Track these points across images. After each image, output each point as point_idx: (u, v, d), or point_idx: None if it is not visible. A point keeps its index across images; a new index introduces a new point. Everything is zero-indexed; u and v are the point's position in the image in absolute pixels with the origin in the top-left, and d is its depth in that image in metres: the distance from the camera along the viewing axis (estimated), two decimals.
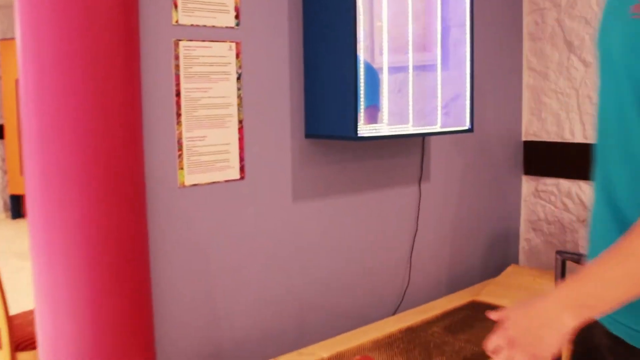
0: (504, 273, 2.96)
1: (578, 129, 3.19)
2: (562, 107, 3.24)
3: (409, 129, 2.47)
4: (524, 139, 3.39)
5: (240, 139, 2.20)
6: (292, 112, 2.33)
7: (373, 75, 2.46)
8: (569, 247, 3.25)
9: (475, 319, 2.57)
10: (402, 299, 2.79)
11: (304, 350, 2.28)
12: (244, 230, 2.23)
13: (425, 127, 2.54)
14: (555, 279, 1.78)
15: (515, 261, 3.44)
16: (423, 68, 2.67)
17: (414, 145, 2.78)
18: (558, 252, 1.75)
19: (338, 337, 2.39)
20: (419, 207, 2.82)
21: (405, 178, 2.75)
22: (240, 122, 2.19)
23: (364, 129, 2.27)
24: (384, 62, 2.50)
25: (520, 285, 2.85)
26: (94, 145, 1.76)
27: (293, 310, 2.40)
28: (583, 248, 3.20)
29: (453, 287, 3.05)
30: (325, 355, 2.24)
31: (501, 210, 3.29)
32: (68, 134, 1.74)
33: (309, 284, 2.44)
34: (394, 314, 2.76)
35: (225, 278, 2.19)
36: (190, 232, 2.10)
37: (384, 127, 2.43)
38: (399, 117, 2.53)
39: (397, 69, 2.62)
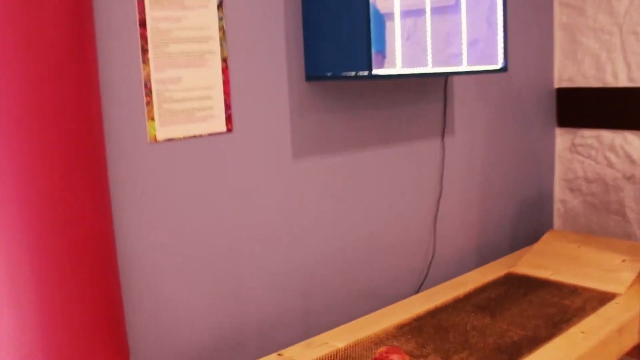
0: (542, 240, 2.54)
1: (622, 71, 2.75)
2: (602, 46, 2.79)
3: (430, 68, 2.03)
4: (556, 86, 2.95)
5: (225, 82, 1.77)
6: (288, 48, 1.90)
7: (379, 20, 2.03)
8: (613, 209, 2.82)
9: (515, 295, 2.15)
10: (427, 274, 2.37)
11: (314, 339, 1.87)
12: (232, 196, 1.80)
13: (449, 67, 2.10)
14: None
15: (550, 227, 3.01)
16: (441, 10, 2.23)
17: (435, 92, 2.34)
18: None
19: (354, 322, 1.97)
20: (443, 164, 2.39)
21: (426, 130, 2.32)
22: (224, 60, 1.75)
23: (380, 70, 1.84)
24: (396, 5, 2.05)
25: (563, 253, 2.43)
26: (37, 94, 1.33)
27: (297, 291, 1.98)
28: (632, 210, 2.78)
29: (483, 258, 2.63)
30: (341, 345, 1.82)
31: (532, 169, 2.86)
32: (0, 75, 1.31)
33: (315, 259, 2.02)
34: (417, 291, 2.34)
35: (210, 255, 1.77)
36: (165, 199, 1.68)
37: (400, 69, 1.99)
38: (415, 61, 2.10)
39: (411, 13, 2.18)
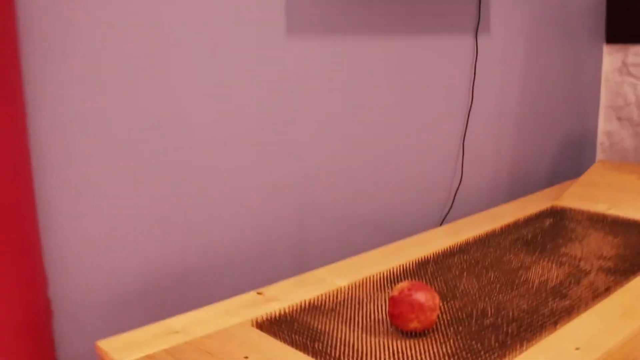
0: (590, 171, 2.06)
1: None
2: None
3: None
4: None
5: None
6: None
7: None
8: None
9: (568, 230, 1.67)
10: (452, 203, 1.89)
11: (307, 275, 1.39)
12: (206, 85, 1.31)
13: None
14: None
15: (592, 161, 2.53)
16: None
17: None
18: None
19: (360, 257, 1.50)
20: (475, 67, 1.89)
21: (457, 22, 1.82)
22: None
23: None
24: None
25: (619, 185, 1.95)
26: None
27: (286, 214, 1.50)
28: None
29: (514, 191, 2.15)
30: (344, 282, 1.35)
31: (574, 94, 2.36)
32: None
33: (311, 173, 1.53)
34: (441, 224, 1.86)
35: (178, 164, 1.29)
36: (106, 83, 1.18)
37: None
38: None
39: None
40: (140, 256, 1.28)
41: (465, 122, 1.88)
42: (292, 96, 1.46)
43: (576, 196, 1.94)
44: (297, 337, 1.12)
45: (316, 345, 1.08)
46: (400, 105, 1.70)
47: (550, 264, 1.43)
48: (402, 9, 1.66)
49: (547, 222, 1.74)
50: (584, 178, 2.03)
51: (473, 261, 1.45)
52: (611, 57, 2.46)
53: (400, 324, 1.12)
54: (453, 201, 1.88)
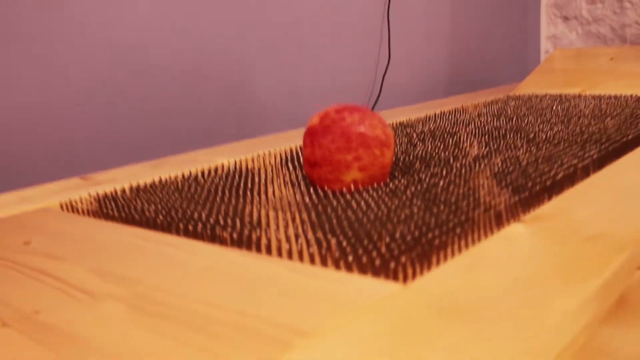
0: (549, 58, 1.61)
1: None
2: None
3: None
4: None
5: None
6: None
7: None
8: (632, 35, 1.92)
9: (540, 107, 1.20)
10: (381, 89, 1.39)
11: (167, 159, 0.86)
12: None
13: None
14: None
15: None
16: None
17: None
18: None
19: (260, 139, 0.98)
20: None
21: None
22: None
23: None
24: None
25: (589, 68, 1.51)
26: None
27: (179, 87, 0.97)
28: None
29: (453, 89, 1.68)
30: (226, 161, 0.83)
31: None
32: None
33: (219, 44, 1.01)
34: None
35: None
36: None
37: None
38: None
39: None
40: None
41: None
42: None
43: (538, 83, 1.48)
44: (134, 214, 0.59)
45: (167, 218, 0.56)
46: None
47: (548, 127, 0.95)
48: None
49: (513, 103, 1.27)
50: (543, 66, 1.58)
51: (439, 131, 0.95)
52: None
53: (326, 178, 0.61)
54: (381, 88, 1.38)
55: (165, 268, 0.44)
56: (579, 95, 1.34)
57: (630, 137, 0.82)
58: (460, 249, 0.45)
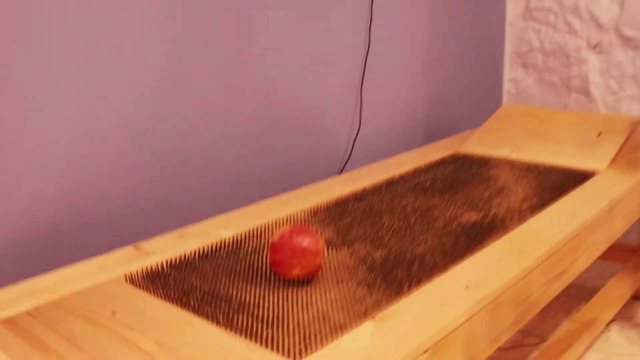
0: (494, 116, 2.02)
1: None
2: None
3: None
4: None
5: None
6: None
7: None
8: (575, 85, 2.32)
9: (466, 176, 1.63)
10: (352, 151, 1.82)
11: (190, 228, 1.30)
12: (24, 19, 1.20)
13: None
14: None
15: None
16: None
17: None
18: None
19: (248, 208, 1.41)
20: (371, 9, 1.81)
21: None
22: None
23: None
24: None
25: (523, 129, 1.92)
26: None
27: (165, 163, 1.40)
28: (596, 85, 2.28)
29: (422, 138, 2.10)
30: (228, 234, 1.26)
31: (478, 41, 2.32)
32: None
33: (194, 119, 1.43)
34: (340, 172, 1.79)
35: (32, 112, 1.17)
36: None
37: None
38: None
39: None
40: (1, 213, 1.17)
41: (363, 67, 1.81)
42: (174, 44, 1.36)
43: (480, 142, 1.90)
44: (171, 290, 1.03)
45: (191, 298, 1.00)
46: (293, 51, 1.61)
47: (447, 208, 1.38)
48: None
49: (448, 168, 1.69)
50: (487, 124, 1.99)
51: (368, 208, 1.39)
52: (515, 3, 2.42)
53: (281, 271, 1.04)
54: (352, 149, 1.81)
55: (200, 341, 0.88)
56: (505, 160, 1.75)
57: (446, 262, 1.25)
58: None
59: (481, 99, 2.38)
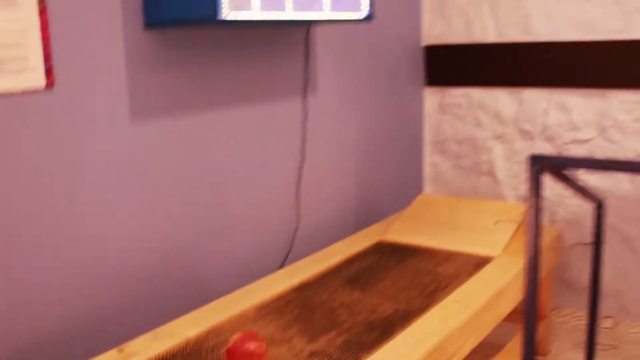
0: (412, 205, 2.39)
1: (491, 26, 2.62)
2: (470, 1, 2.66)
3: (289, 14, 1.80)
4: (425, 43, 2.79)
5: (44, 26, 1.47)
6: None
7: None
8: (484, 170, 2.71)
9: (387, 265, 1.98)
10: (291, 246, 2.16)
11: (161, 329, 1.62)
12: (54, 167, 1.52)
13: (309, 14, 1.88)
14: (531, 196, 1.18)
15: (420, 191, 2.88)
16: None
17: (296, 44, 2.12)
18: (535, 158, 1.16)
19: (208, 307, 1.74)
20: (305, 126, 2.17)
21: (286, 88, 2.09)
22: None
23: (232, 14, 1.59)
24: None
25: (435, 218, 2.29)
26: None
27: (138, 273, 1.72)
28: (501, 169, 2.67)
29: (352, 226, 2.45)
30: (192, 333, 1.59)
31: (401, 132, 2.70)
32: None
33: (161, 234, 1.76)
34: (281, 266, 2.13)
35: (21, 241, 1.48)
36: None
37: (255, 13, 1.75)
38: (275, 4, 1.86)
39: None
40: None
41: (299, 174, 2.16)
42: (138, 172, 1.68)
43: (399, 231, 2.26)
44: None
45: None
46: (238, 166, 1.95)
47: (371, 299, 1.72)
48: (235, 82, 1.91)
49: (372, 258, 2.04)
50: (407, 212, 2.36)
51: (305, 302, 1.73)
52: (431, 98, 2.81)
53: None
54: (292, 244, 2.15)
55: None
56: (420, 248, 2.12)
57: None
58: None
59: (405, 184, 2.75)
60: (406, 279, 1.88)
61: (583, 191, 1.46)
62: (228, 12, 1.55)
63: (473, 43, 2.67)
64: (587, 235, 2.55)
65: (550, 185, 2.59)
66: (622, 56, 2.41)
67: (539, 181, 1.17)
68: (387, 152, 2.62)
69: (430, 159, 2.86)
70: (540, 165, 1.17)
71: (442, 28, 2.74)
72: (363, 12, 1.96)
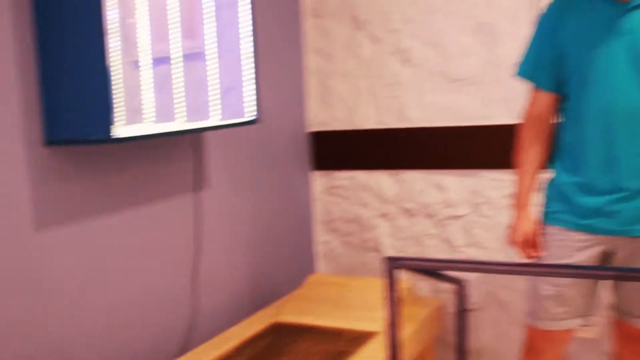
0: (304, 285, 2.57)
1: (371, 113, 2.88)
2: (352, 90, 2.91)
3: (179, 125, 1.98)
4: (311, 129, 3.02)
5: None
6: (23, 112, 1.76)
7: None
8: (371, 246, 2.93)
9: (279, 347, 2.15)
10: (189, 335, 2.30)
11: None
12: None
13: (199, 123, 2.07)
14: (389, 293, 1.38)
15: (313, 269, 3.07)
16: (192, 57, 2.20)
17: (186, 147, 2.30)
18: (390, 259, 1.36)
19: None
20: (198, 220, 2.34)
21: (179, 187, 2.26)
22: None
23: (125, 130, 1.76)
24: (145, 54, 1.98)
25: (325, 297, 2.48)
26: None
27: None
28: (387, 245, 2.90)
29: (251, 307, 2.61)
30: None
31: (293, 214, 2.90)
32: None
33: (66, 339, 1.88)
34: (182, 354, 2.26)
35: None
36: None
37: (149, 126, 1.93)
38: (167, 114, 2.04)
39: (161, 60, 2.12)
40: None
41: (193, 264, 2.31)
42: (43, 279, 1.81)
43: (291, 311, 2.43)
44: None
45: None
46: (135, 264, 2.09)
47: None
48: (131, 186, 2.07)
49: (266, 340, 2.20)
50: (298, 293, 2.54)
51: None
52: (319, 181, 3.03)
53: None
54: (190, 331, 2.29)
55: None
56: (310, 327, 2.29)
57: None
58: None
59: (298, 262, 2.94)
60: (299, 357, 2.04)
61: (441, 277, 1.67)
62: (121, 130, 1.72)
63: (355, 129, 2.91)
64: (472, 301, 2.79)
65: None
66: (488, 139, 2.69)
67: (394, 280, 1.37)
68: (279, 234, 2.80)
69: (321, 238, 3.06)
70: (395, 265, 1.38)
71: (327, 115, 2.97)
72: (250, 117, 2.16)
